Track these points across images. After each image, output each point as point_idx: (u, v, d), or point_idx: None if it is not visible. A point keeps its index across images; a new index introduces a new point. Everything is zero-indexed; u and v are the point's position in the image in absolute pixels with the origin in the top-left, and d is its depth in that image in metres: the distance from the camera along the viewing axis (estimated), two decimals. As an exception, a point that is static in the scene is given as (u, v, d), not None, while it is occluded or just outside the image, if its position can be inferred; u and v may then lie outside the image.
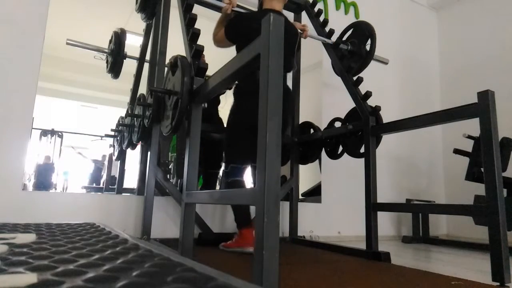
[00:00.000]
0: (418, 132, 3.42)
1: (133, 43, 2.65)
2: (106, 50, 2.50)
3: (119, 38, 2.41)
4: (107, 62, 2.54)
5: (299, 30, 2.28)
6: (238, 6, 2.09)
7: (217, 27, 2.15)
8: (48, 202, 2.02)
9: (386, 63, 2.82)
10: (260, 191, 0.90)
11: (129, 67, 2.60)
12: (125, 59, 2.46)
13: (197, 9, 1.92)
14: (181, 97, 1.53)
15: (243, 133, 2.00)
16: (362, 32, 2.49)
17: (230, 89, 2.11)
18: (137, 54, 2.63)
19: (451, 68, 4.00)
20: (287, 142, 2.60)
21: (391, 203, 2.86)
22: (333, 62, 2.52)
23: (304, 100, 2.75)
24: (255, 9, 2.33)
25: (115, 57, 2.42)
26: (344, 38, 2.59)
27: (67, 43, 2.27)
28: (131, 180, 2.68)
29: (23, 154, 1.97)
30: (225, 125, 2.60)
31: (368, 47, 2.45)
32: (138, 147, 2.43)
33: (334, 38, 2.57)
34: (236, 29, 2.04)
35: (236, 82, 2.08)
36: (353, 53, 2.52)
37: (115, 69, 2.47)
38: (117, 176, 2.86)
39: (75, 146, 2.97)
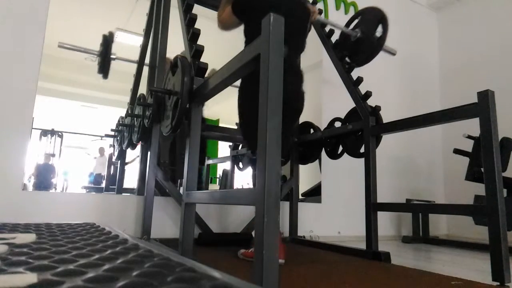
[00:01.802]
0: (418, 132, 3.42)
1: (133, 44, 2.65)
2: (96, 52, 2.53)
3: (107, 40, 2.47)
4: (98, 63, 2.58)
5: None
6: None
7: (222, 8, 1.99)
8: (48, 202, 2.02)
9: (394, 54, 2.59)
10: (260, 191, 0.90)
11: (129, 67, 2.60)
12: (113, 60, 2.51)
13: (197, 9, 1.92)
14: (181, 97, 1.53)
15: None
16: (372, 17, 2.27)
17: None
18: (137, 54, 2.63)
19: (451, 68, 4.00)
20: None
21: (391, 203, 2.86)
22: (333, 62, 2.51)
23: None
24: None
25: (103, 58, 2.48)
26: (351, 27, 2.41)
27: (59, 46, 2.30)
28: (130, 180, 2.69)
29: (23, 154, 1.98)
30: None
31: (378, 34, 2.23)
32: (138, 147, 2.43)
33: (334, 38, 2.57)
34: (245, 3, 1.88)
35: None
36: (361, 41, 2.30)
37: (104, 69, 2.52)
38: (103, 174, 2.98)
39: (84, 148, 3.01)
